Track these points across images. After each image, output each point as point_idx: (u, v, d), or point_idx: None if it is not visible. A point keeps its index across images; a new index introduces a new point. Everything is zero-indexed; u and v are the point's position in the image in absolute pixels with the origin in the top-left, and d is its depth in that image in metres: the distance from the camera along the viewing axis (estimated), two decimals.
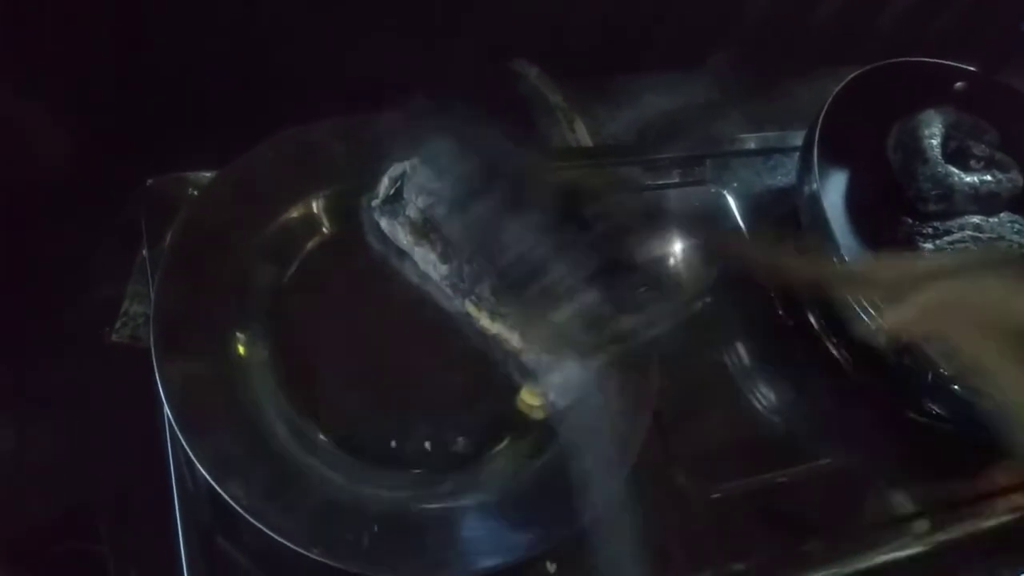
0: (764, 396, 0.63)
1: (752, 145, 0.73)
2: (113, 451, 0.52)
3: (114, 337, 0.59)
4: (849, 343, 0.62)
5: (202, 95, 0.67)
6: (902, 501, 0.64)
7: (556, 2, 0.84)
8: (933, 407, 0.55)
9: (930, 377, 0.54)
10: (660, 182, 0.70)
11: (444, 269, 0.56)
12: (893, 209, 0.67)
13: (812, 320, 0.64)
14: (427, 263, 0.56)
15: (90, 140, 0.65)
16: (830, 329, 0.63)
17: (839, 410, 0.63)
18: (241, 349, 0.51)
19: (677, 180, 0.70)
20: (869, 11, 0.94)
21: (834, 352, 0.64)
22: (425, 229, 0.57)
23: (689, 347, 0.63)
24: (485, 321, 0.54)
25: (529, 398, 0.53)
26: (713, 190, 0.69)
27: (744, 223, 0.68)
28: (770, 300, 0.66)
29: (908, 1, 0.98)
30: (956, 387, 0.53)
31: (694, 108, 0.84)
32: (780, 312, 0.65)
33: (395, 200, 0.57)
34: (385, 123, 0.60)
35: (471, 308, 0.55)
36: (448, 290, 0.55)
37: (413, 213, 0.57)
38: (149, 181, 0.57)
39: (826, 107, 0.63)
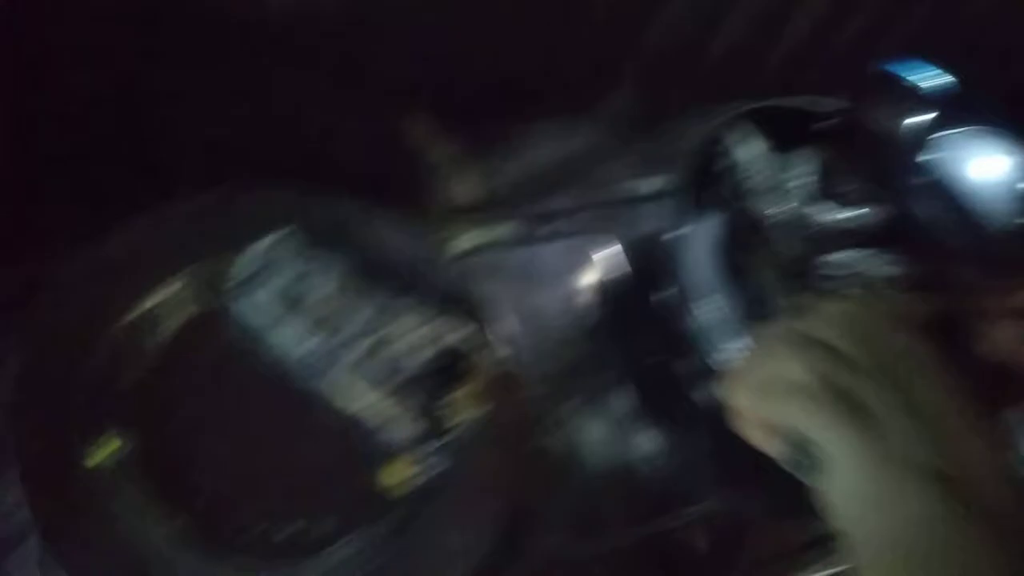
0: (643, 443, 0.64)
1: (631, 192, 0.74)
2: None
3: None
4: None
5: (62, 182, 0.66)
6: (790, 534, 0.65)
7: (447, 52, 0.86)
8: None
9: None
10: (538, 233, 0.70)
11: (310, 343, 0.56)
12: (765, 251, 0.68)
13: (689, 366, 0.65)
14: (291, 339, 0.56)
15: None
16: (706, 375, 0.64)
17: (719, 452, 0.64)
18: (103, 441, 0.50)
19: (557, 232, 0.71)
20: (759, 50, 0.97)
21: (708, 398, 0.65)
22: (290, 303, 0.57)
23: (567, 397, 0.64)
24: (351, 395, 0.55)
25: (391, 475, 0.53)
26: (598, 239, 0.70)
27: (621, 274, 0.69)
28: (646, 349, 0.67)
29: (797, 38, 1.02)
30: None
31: (586, 154, 0.85)
32: (657, 361, 0.66)
33: (256, 276, 0.57)
34: (252, 199, 0.60)
35: (336, 383, 0.55)
36: (313, 366, 0.55)
37: (279, 285, 0.57)
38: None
39: (694, 153, 0.64)
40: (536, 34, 0.90)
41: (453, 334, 0.56)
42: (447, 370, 0.55)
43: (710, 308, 0.63)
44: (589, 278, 0.69)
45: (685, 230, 0.63)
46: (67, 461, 0.48)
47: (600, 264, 0.70)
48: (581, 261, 0.70)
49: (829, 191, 0.72)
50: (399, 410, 0.54)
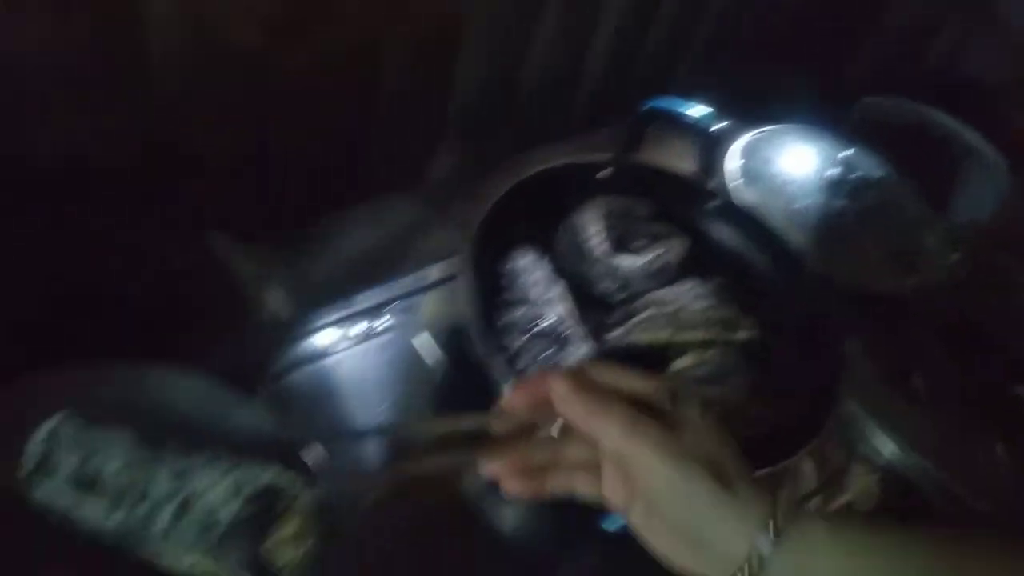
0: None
1: (436, 276, 0.74)
2: None
3: None
4: None
5: None
6: None
7: (248, 163, 0.84)
8: None
9: None
10: (352, 337, 0.69)
11: (117, 517, 0.53)
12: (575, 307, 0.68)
13: None
14: (97, 516, 0.54)
15: None
16: None
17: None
18: None
19: (370, 332, 0.69)
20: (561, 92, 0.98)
21: None
22: (86, 484, 0.54)
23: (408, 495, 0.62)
24: (172, 561, 0.52)
25: None
26: (405, 333, 0.69)
27: (439, 362, 0.68)
28: None
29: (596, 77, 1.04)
30: None
31: (402, 234, 0.85)
32: None
33: (46, 463, 0.54)
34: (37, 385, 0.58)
35: (154, 551, 0.53)
36: (127, 537, 0.52)
37: (69, 469, 0.54)
38: None
39: (472, 238, 0.64)
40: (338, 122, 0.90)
41: (259, 477, 0.54)
42: (261, 515, 0.53)
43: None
44: (409, 371, 0.68)
45: (474, 308, 0.61)
46: None
47: (416, 355, 0.69)
48: (398, 356, 0.69)
49: (620, 241, 0.73)
50: (221, 567, 0.52)
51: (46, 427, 0.54)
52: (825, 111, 0.99)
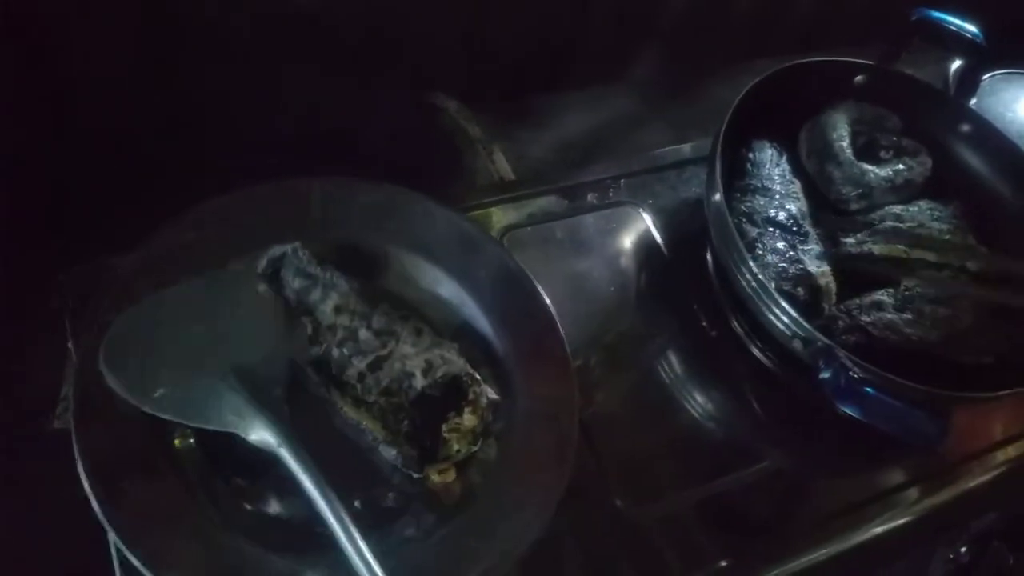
0: (697, 406, 0.64)
1: (665, 159, 0.74)
2: (54, 542, 0.54)
3: (56, 424, 0.60)
4: (772, 347, 0.63)
5: (120, 171, 0.68)
6: (842, 493, 0.65)
7: (471, 31, 0.85)
8: (845, 409, 0.56)
9: (842, 381, 0.54)
10: (577, 205, 0.70)
11: (314, 351, 0.55)
12: (809, 207, 0.68)
13: (736, 327, 0.65)
14: (302, 341, 0.55)
15: (10, 228, 0.66)
16: (754, 335, 0.64)
17: (771, 412, 0.64)
18: (166, 430, 0.52)
19: (595, 203, 0.71)
20: (779, 6, 0.95)
21: (759, 356, 0.64)
22: (297, 311, 0.56)
23: (618, 365, 0.64)
24: (348, 408, 0.54)
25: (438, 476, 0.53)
26: (630, 209, 0.70)
27: (661, 239, 0.69)
28: (692, 312, 0.66)
29: None
30: (867, 389, 0.54)
31: (617, 122, 0.85)
32: (703, 323, 0.66)
33: (272, 279, 0.57)
34: (307, 187, 0.61)
35: (335, 394, 0.54)
36: (313, 375, 0.54)
37: (288, 294, 0.56)
38: (61, 276, 0.57)
39: (727, 118, 0.63)
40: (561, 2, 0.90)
41: (450, 365, 0.54)
42: (446, 400, 0.53)
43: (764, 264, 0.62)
44: (631, 246, 0.69)
45: (718, 196, 0.62)
46: (129, 454, 0.49)
47: (640, 231, 0.69)
48: (621, 230, 0.70)
49: (865, 149, 0.71)
50: (392, 431, 0.53)
51: (279, 249, 0.56)
52: None
